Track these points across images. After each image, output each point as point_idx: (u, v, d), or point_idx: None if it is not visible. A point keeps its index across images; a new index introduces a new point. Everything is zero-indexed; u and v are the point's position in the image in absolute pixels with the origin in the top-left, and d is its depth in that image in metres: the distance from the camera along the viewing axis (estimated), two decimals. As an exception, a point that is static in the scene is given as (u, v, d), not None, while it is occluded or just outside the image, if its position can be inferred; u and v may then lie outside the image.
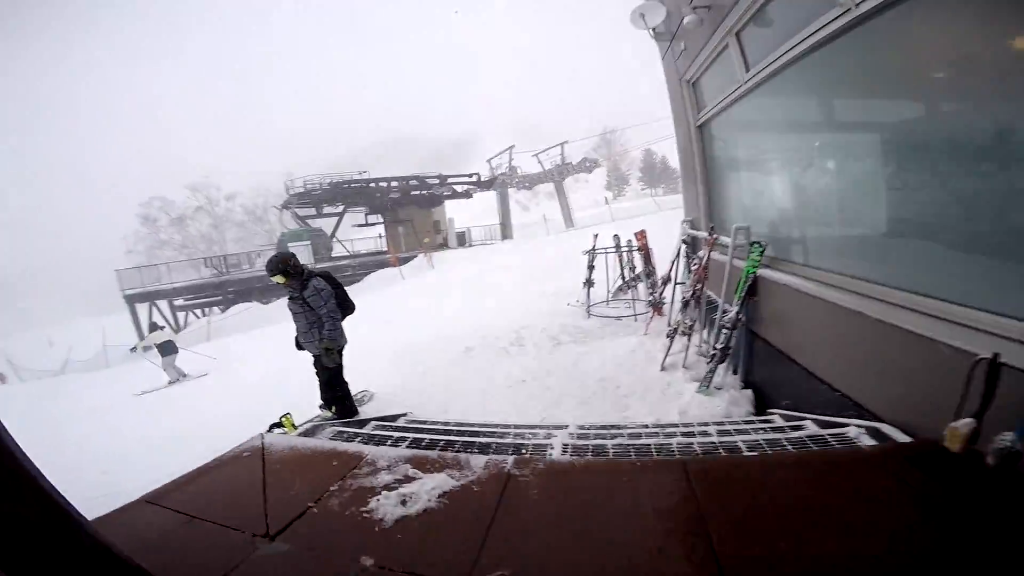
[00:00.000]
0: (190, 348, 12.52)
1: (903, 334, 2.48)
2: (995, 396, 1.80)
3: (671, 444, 2.85)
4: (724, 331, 4.57)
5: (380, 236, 30.81)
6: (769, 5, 3.53)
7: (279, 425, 4.16)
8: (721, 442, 2.82)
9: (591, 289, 9.34)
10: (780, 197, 4.18)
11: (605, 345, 7.30)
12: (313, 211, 31.15)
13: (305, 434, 3.80)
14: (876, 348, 2.78)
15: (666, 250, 8.15)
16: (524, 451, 3.05)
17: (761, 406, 4.59)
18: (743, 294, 4.34)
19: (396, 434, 3.63)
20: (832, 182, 3.49)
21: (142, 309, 23.45)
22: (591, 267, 9.49)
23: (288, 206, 31.10)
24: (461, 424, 4.55)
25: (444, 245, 29.25)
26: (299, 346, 5.18)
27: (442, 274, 18.31)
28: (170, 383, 10.89)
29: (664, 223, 11.52)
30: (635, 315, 8.53)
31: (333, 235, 30.84)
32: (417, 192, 31.24)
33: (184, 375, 11.11)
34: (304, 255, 24.70)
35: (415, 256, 23.98)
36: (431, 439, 3.42)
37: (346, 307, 5.22)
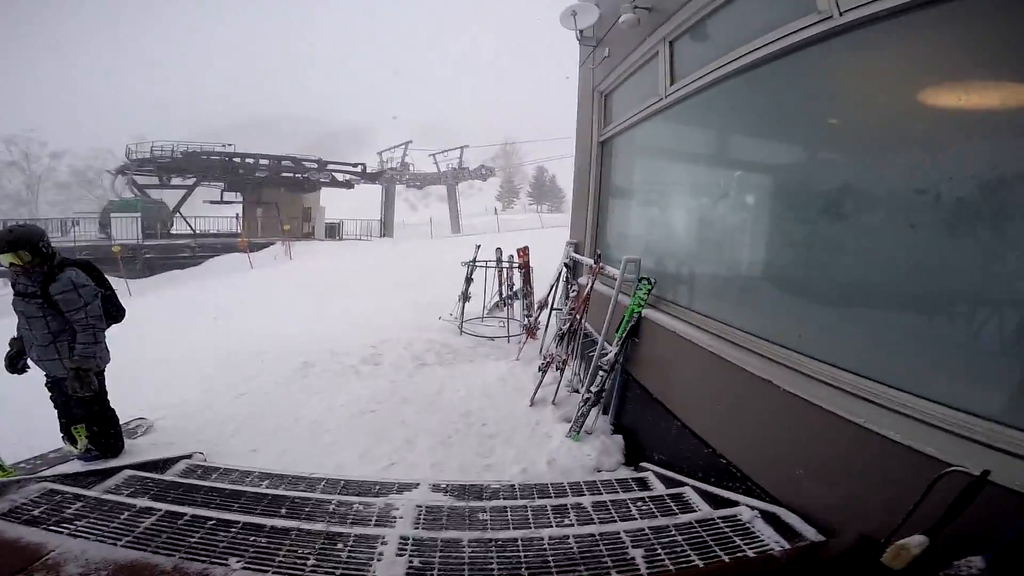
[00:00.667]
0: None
1: (816, 411, 2.04)
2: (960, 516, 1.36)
3: (542, 539, 2.13)
4: (601, 373, 4.05)
5: (236, 217, 27.00)
6: (712, 17, 3.13)
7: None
8: (601, 534, 2.17)
9: (466, 303, 8.58)
10: (676, 231, 3.81)
11: (473, 369, 6.56)
12: (156, 180, 26.43)
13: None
14: (775, 419, 2.35)
15: (548, 266, 7.74)
16: (340, 546, 2.09)
17: (632, 453, 4.16)
18: (624, 334, 3.87)
19: (140, 502, 2.41)
20: (732, 221, 3.12)
21: None
22: (469, 279, 8.74)
23: (125, 172, 26.00)
24: (264, 478, 3.40)
25: (311, 235, 26.58)
26: (15, 364, 3.55)
27: (300, 267, 16.21)
28: None
29: (547, 240, 11.22)
30: (508, 336, 7.94)
31: (177, 209, 26.39)
32: (290, 175, 28.12)
33: None
34: (131, 229, 20.53)
35: (272, 243, 21.21)
36: (194, 514, 2.28)
37: (114, 314, 3.75)
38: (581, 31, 5.17)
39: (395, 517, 2.57)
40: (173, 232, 24.61)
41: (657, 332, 3.61)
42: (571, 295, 5.81)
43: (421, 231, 31.37)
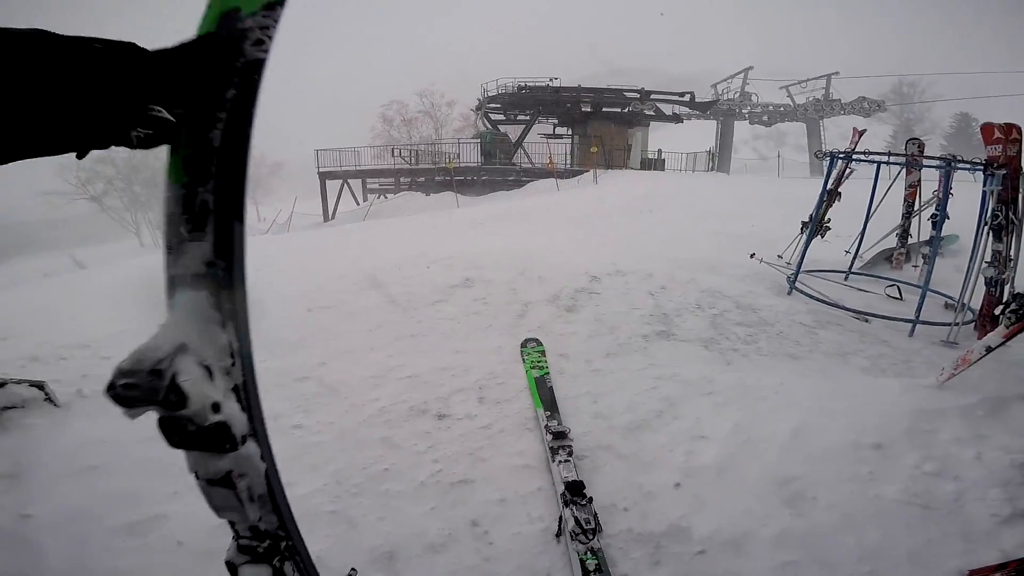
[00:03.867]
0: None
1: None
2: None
3: None
4: None
5: (564, 149, 27.49)
6: None
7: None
8: None
9: (816, 239, 4.30)
10: None
11: (795, 382, 2.78)
12: (503, 116, 29.18)
13: None
14: None
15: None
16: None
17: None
18: None
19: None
20: None
21: (334, 185, 24.78)
22: (832, 194, 4.36)
23: (479, 108, 29.65)
24: None
25: (624, 166, 24.65)
26: None
27: (599, 191, 14.12)
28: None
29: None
30: (914, 321, 3.41)
31: (519, 143, 28.46)
32: (615, 109, 26.39)
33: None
34: (473, 154, 23.25)
35: (585, 171, 20.33)
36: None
37: None
38: None
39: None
40: (514, 161, 26.71)
41: None
42: None
43: (769, 166, 24.70)
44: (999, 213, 3.46)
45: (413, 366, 2.96)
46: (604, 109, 25.39)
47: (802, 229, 4.37)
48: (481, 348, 3.20)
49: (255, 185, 47.99)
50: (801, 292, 3.99)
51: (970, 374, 2.80)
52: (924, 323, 3.46)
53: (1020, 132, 3.65)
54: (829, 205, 4.33)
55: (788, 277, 4.11)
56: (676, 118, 26.02)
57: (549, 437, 2.16)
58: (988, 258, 3.53)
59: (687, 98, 25.52)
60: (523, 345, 3.09)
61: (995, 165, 3.55)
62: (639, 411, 2.47)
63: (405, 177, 26.31)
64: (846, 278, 4.47)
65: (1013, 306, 2.45)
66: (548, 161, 22.20)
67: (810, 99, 29.18)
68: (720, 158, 25.89)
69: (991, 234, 3.51)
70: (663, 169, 24.51)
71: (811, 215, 4.37)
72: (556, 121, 27.82)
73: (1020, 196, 3.55)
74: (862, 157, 4.12)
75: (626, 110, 25.59)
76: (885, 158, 4.16)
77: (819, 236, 4.37)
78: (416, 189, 24.91)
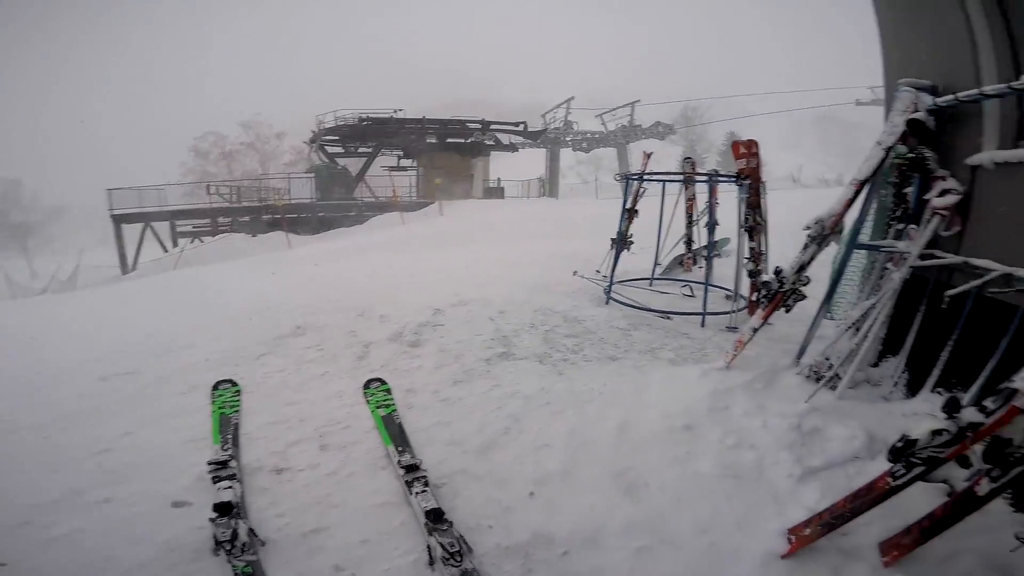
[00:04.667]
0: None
1: None
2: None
3: None
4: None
5: (408, 182, 27.30)
6: None
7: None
8: None
9: (622, 253, 4.88)
10: None
11: (613, 382, 3.11)
12: (341, 149, 28.02)
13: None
14: None
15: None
16: None
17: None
18: None
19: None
20: None
21: (133, 231, 20.93)
22: (630, 212, 4.99)
23: (314, 141, 28.09)
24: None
25: (468, 196, 25.48)
26: None
27: (444, 222, 14.43)
28: None
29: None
30: (703, 313, 4.05)
31: (360, 176, 27.51)
32: (458, 140, 27.28)
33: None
34: (305, 189, 21.80)
35: (431, 203, 20.42)
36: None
37: None
38: None
39: None
40: (356, 196, 25.62)
41: None
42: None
43: (590, 188, 27.80)
44: (749, 217, 4.31)
45: (237, 426, 2.68)
46: (448, 140, 26.01)
47: (611, 245, 4.94)
48: (318, 396, 3.03)
49: (25, 234, 38.25)
50: (616, 301, 4.48)
51: (749, 353, 3.38)
52: (711, 314, 4.14)
53: (757, 147, 4.58)
54: (630, 222, 4.98)
55: (604, 289, 4.60)
56: (513, 147, 27.78)
57: (402, 471, 2.17)
58: (747, 254, 4.37)
59: (521, 127, 27.51)
60: (366, 387, 3.00)
61: (743, 176, 4.41)
62: (488, 431, 2.55)
63: (225, 217, 23.36)
64: (651, 284, 5.17)
65: (763, 292, 3.04)
66: (392, 195, 21.82)
67: (619, 126, 33.31)
68: (550, 184, 28.17)
69: (747, 234, 4.35)
70: (503, 197, 25.86)
71: (619, 231, 4.97)
72: (401, 153, 27.66)
73: (763, 201, 4.47)
74: (649, 177, 4.84)
75: (468, 141, 26.56)
76: (667, 177, 4.94)
77: (626, 250, 4.98)
78: (239, 230, 22.18)
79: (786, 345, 3.43)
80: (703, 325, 4.08)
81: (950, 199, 2.50)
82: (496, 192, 26.39)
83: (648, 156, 5.69)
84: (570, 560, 1.84)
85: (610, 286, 4.60)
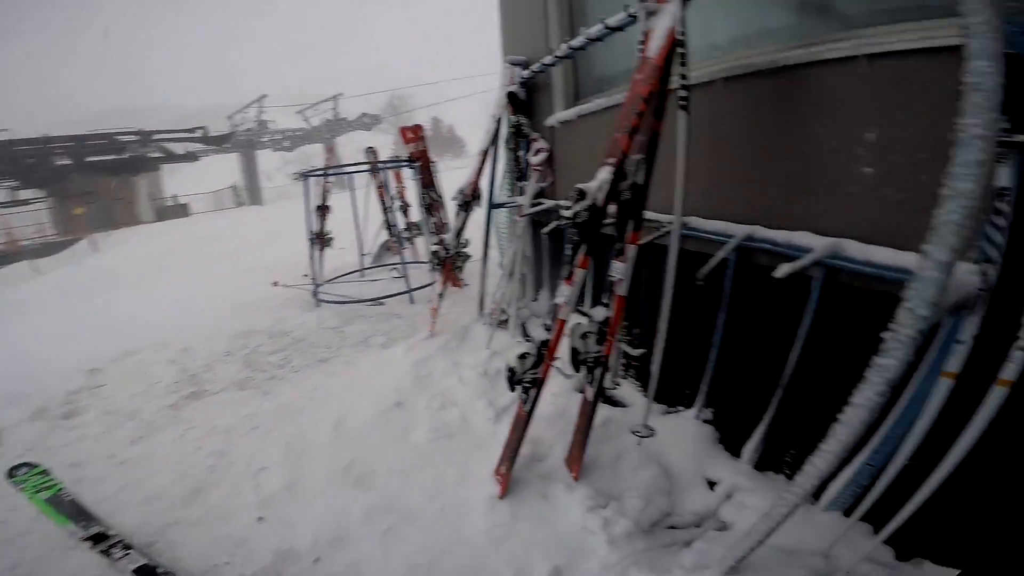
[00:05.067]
0: None
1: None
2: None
3: None
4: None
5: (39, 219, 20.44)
6: None
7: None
8: None
9: (324, 251, 4.76)
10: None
11: (332, 383, 3.02)
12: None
13: None
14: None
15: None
16: None
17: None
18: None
19: None
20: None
21: None
22: (322, 208, 4.86)
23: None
24: None
25: (134, 221, 20.77)
26: None
27: (101, 261, 11.27)
28: None
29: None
30: (409, 290, 4.30)
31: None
32: (107, 156, 21.53)
33: None
34: None
35: (79, 240, 15.82)
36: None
37: None
38: None
39: None
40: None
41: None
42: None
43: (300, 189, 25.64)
44: (426, 196, 4.70)
45: None
46: (90, 159, 20.17)
47: (311, 243, 4.74)
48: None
49: None
50: (326, 301, 4.37)
51: (451, 316, 3.73)
52: (415, 289, 4.40)
53: (422, 130, 4.95)
54: (323, 219, 4.85)
55: (312, 292, 4.43)
56: (192, 156, 23.44)
57: (91, 543, 1.89)
58: (432, 229, 4.78)
59: (199, 134, 23.23)
60: (10, 475, 2.39)
61: (415, 160, 4.74)
62: (192, 476, 2.26)
63: None
64: (362, 275, 5.21)
65: (435, 261, 3.38)
66: (6, 240, 16.02)
67: (323, 120, 31.69)
68: (250, 190, 25.16)
69: (426, 212, 4.74)
70: (187, 214, 21.87)
71: (314, 231, 4.79)
72: (17, 183, 20.36)
73: (436, 179, 4.90)
74: (316, 172, 4.78)
75: (125, 156, 21.14)
76: (341, 170, 4.98)
77: (328, 247, 4.86)
78: None
79: (470, 303, 3.79)
80: (412, 302, 4.34)
81: (542, 156, 3.18)
82: (175, 211, 22.14)
83: (331, 150, 5.60)
84: (324, 564, 1.76)
85: (316, 288, 4.44)
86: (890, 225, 1.33)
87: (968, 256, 1.10)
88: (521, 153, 3.39)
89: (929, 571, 1.33)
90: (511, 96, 3.23)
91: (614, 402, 2.37)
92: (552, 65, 2.85)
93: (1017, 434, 1.12)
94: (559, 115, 3.06)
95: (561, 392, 2.40)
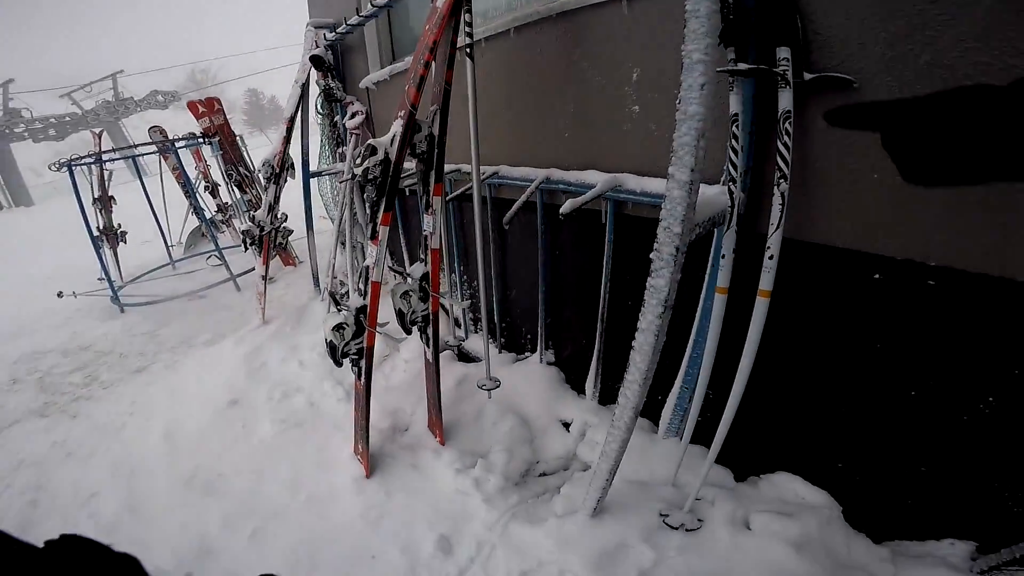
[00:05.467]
0: None
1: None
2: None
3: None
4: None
5: None
6: None
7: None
8: None
9: (116, 247, 4.12)
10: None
11: (149, 401, 2.70)
12: None
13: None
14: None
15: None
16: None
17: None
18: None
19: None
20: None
21: None
22: (104, 200, 4.16)
23: None
24: None
25: None
26: None
27: None
28: None
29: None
30: (232, 278, 3.97)
31: None
32: None
33: None
34: None
35: None
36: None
37: None
38: None
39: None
40: None
41: None
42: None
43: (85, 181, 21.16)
44: (232, 173, 4.28)
45: None
46: None
47: (100, 242, 4.06)
48: None
49: None
50: (132, 305, 3.84)
51: (285, 299, 3.53)
52: (240, 275, 4.07)
53: (220, 103, 4.43)
54: (107, 211, 4.16)
55: (111, 298, 3.84)
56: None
57: None
58: (247, 208, 4.41)
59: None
60: None
61: (209, 136, 4.25)
62: (10, 516, 1.99)
63: None
64: (174, 268, 4.63)
65: (249, 240, 3.16)
66: None
67: (100, 102, 26.23)
68: (11, 190, 20.10)
69: (238, 189, 4.34)
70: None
71: (99, 226, 4.10)
72: None
73: (245, 153, 4.47)
74: (102, 158, 4.07)
75: None
76: (127, 152, 4.29)
77: (121, 243, 4.21)
78: None
79: (308, 284, 3.67)
80: (239, 289, 4.02)
81: (358, 119, 3.08)
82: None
83: (98, 135, 4.73)
84: (199, 578, 1.64)
85: (115, 291, 3.85)
86: (658, 156, 1.42)
87: (717, 178, 1.23)
88: (337, 118, 3.26)
89: (764, 488, 1.43)
90: (315, 60, 3.05)
91: (469, 358, 2.39)
92: (360, 25, 2.74)
93: (788, 342, 1.22)
94: (374, 75, 2.98)
95: (413, 358, 2.38)
